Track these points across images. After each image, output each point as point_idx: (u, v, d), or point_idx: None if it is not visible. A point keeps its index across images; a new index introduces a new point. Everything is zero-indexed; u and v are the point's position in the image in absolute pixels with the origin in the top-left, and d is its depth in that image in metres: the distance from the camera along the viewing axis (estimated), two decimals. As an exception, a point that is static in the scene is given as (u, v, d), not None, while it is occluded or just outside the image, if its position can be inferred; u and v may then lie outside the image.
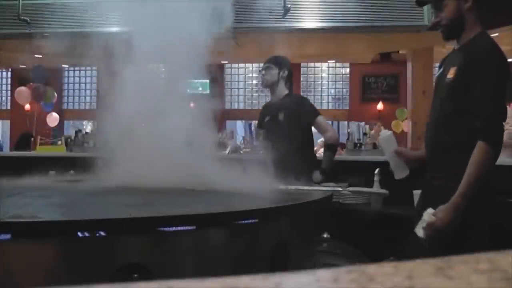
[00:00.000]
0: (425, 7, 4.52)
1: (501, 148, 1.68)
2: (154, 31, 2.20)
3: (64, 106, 12.23)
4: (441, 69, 1.87)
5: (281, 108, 3.12)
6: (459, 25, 1.80)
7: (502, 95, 1.69)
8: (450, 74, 1.76)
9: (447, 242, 1.73)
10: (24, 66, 10.79)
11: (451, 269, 0.31)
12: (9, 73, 12.65)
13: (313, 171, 3.08)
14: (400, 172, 1.97)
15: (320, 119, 3.12)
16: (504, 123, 1.65)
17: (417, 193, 2.75)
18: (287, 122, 3.08)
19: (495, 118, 1.65)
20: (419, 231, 1.70)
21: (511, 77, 1.73)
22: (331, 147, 3.14)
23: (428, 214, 1.70)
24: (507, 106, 1.86)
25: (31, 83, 7.41)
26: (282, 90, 3.18)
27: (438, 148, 1.82)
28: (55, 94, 8.04)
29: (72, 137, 4.54)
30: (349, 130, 4.07)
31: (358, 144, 3.88)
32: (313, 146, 3.21)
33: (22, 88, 7.19)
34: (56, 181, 2.37)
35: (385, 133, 2.08)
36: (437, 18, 1.86)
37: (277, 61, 3.17)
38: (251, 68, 11.63)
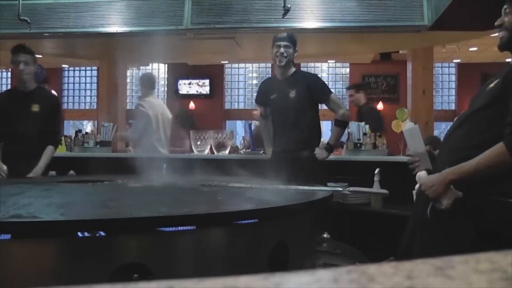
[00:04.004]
0: (425, 7, 4.52)
1: None
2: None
3: (64, 106, 12.22)
4: (489, 80, 1.76)
5: (292, 85, 3.13)
6: None
7: None
8: (492, 84, 1.69)
9: (437, 237, 1.74)
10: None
11: (451, 269, 0.31)
12: (9, 73, 12.66)
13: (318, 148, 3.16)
14: (423, 167, 1.91)
15: (333, 96, 3.21)
16: None
17: (417, 193, 2.75)
18: (299, 99, 3.09)
19: None
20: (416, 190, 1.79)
21: None
22: (342, 123, 3.21)
23: (418, 175, 1.76)
24: None
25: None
26: (292, 68, 3.21)
27: (455, 148, 1.78)
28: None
29: (72, 137, 4.53)
30: (349, 130, 4.06)
31: (358, 144, 3.88)
32: (320, 124, 3.24)
33: None
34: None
35: (410, 125, 2.03)
36: (499, 22, 1.72)
37: (293, 40, 3.19)
38: (251, 68, 11.63)
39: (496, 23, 1.74)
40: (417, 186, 1.79)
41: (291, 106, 3.09)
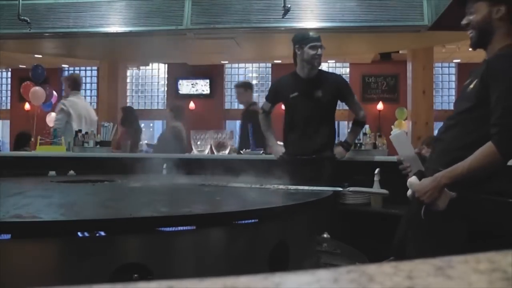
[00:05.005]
0: (425, 7, 4.52)
1: (510, 160, 1.62)
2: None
3: (64, 106, 12.21)
4: (468, 80, 1.77)
5: (319, 85, 3.10)
6: (487, 34, 1.68)
7: None
8: (472, 85, 1.69)
9: (431, 237, 1.75)
10: (24, 66, 10.80)
11: (451, 269, 0.31)
12: (9, 73, 12.66)
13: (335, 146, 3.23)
14: (415, 170, 1.92)
15: (356, 98, 3.27)
16: None
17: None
18: (325, 98, 3.09)
19: (510, 128, 1.55)
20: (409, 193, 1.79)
21: None
22: (362, 124, 3.34)
23: (410, 182, 1.78)
24: None
25: (33, 83, 7.40)
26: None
27: (445, 150, 1.78)
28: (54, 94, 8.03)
29: (72, 137, 4.53)
30: (349, 130, 4.06)
31: (358, 144, 3.87)
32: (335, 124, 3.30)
33: (37, 88, 7.17)
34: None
35: (395, 131, 2.06)
36: (466, 21, 1.73)
37: (321, 40, 3.14)
38: (251, 68, 11.62)
39: (462, 23, 1.76)
40: (409, 192, 1.78)
41: (315, 106, 3.07)
